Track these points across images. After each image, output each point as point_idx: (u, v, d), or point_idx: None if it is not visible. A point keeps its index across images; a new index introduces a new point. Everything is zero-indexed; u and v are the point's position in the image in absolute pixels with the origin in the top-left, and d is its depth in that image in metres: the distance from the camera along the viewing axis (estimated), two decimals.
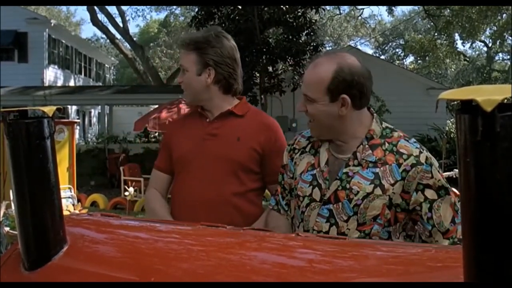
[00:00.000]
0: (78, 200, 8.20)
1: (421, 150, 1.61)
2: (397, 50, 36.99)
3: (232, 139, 1.96)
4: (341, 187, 1.61)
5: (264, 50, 12.03)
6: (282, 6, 12.28)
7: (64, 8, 37.30)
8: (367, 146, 1.63)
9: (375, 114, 1.69)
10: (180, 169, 2.03)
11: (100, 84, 25.87)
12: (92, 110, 24.52)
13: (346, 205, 1.60)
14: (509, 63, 27.54)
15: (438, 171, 1.61)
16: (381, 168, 1.59)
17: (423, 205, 1.58)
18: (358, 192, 1.58)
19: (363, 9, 26.40)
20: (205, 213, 1.84)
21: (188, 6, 25.54)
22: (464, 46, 32.33)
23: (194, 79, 1.98)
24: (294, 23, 12.47)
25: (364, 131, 1.65)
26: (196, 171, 1.96)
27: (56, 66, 20.91)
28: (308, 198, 1.67)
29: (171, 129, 2.30)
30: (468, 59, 31.20)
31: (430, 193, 1.58)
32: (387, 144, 1.63)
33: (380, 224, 1.59)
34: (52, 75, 20.44)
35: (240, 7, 12.24)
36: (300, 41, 12.54)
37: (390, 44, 37.14)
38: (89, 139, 18.89)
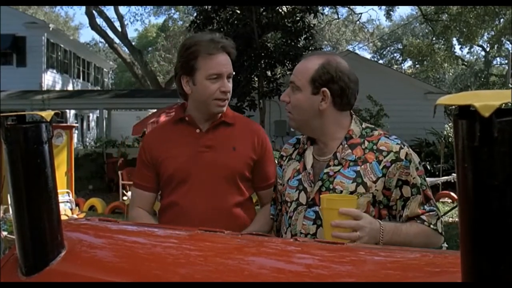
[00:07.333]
0: (76, 205, 8.18)
1: (402, 146, 1.63)
2: (395, 54, 37.13)
3: (228, 149, 1.93)
4: (324, 188, 1.62)
5: (263, 54, 12.03)
6: (280, 11, 12.30)
7: (62, 12, 37.42)
8: (346, 145, 1.65)
9: (354, 116, 1.72)
10: (174, 185, 1.94)
11: (99, 88, 25.91)
12: (91, 114, 24.53)
13: None
14: (507, 67, 27.59)
15: (417, 168, 1.63)
16: (362, 166, 1.61)
17: (398, 203, 1.62)
18: (341, 191, 1.60)
19: (361, 14, 26.50)
20: (205, 225, 1.80)
21: (186, 11, 25.62)
22: (462, 51, 32.41)
23: None
24: (293, 28, 12.50)
25: (343, 133, 1.68)
26: (195, 185, 1.90)
27: (54, 70, 20.92)
28: (295, 203, 1.68)
29: (152, 144, 2.00)
30: (466, 64, 31.27)
31: (406, 190, 1.61)
32: (367, 143, 1.65)
33: None
34: (50, 79, 20.45)
35: (238, 11, 12.26)
36: (299, 45, 12.56)
37: (388, 48, 37.24)
38: (87, 143, 18.85)
